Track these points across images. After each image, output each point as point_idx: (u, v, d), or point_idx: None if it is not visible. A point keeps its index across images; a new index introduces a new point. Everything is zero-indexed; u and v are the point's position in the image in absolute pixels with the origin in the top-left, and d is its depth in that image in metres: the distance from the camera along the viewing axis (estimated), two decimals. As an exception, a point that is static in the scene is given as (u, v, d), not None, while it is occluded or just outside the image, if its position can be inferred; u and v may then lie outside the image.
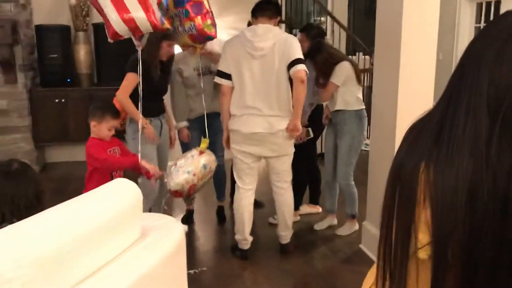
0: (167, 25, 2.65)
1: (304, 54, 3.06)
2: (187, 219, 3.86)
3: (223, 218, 3.93)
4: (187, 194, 3.06)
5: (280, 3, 4.45)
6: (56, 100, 5.17)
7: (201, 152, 3.08)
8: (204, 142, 3.15)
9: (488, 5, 4.82)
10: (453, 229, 0.63)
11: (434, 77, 2.89)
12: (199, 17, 2.89)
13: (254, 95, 2.98)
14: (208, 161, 3.07)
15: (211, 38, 3.00)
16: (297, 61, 2.92)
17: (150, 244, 1.28)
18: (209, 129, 3.36)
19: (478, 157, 0.62)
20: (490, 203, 0.61)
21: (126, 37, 2.52)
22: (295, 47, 2.96)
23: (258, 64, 2.95)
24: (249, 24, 3.54)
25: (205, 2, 2.94)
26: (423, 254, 0.67)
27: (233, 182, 3.71)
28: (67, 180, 4.77)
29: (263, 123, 2.99)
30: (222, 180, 3.93)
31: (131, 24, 2.42)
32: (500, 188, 0.61)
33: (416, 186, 0.67)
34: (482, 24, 5.70)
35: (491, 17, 4.79)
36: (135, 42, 2.60)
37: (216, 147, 3.72)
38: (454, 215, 0.62)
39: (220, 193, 3.97)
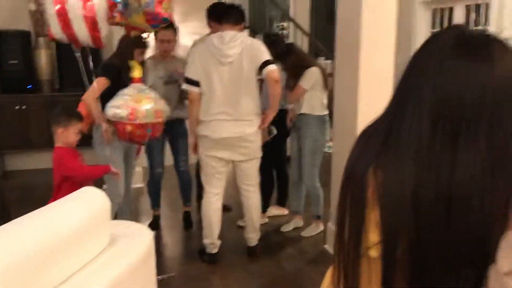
0: (118, 19, 2.53)
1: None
2: (154, 225, 3.85)
3: (190, 223, 3.93)
4: (130, 123, 2.80)
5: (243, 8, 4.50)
6: (17, 107, 5.05)
7: (134, 80, 2.89)
8: (134, 67, 2.91)
9: (443, 11, 5.05)
10: (400, 229, 0.66)
11: (392, 80, 2.99)
12: None
13: (223, 100, 2.99)
14: (143, 87, 2.91)
15: (166, 20, 2.76)
16: (267, 62, 2.97)
17: (119, 251, 1.30)
18: (172, 134, 3.61)
19: (422, 159, 0.66)
20: (433, 203, 0.64)
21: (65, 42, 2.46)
22: (262, 50, 3.01)
23: (227, 70, 2.97)
24: (212, 26, 3.52)
25: None
26: (374, 252, 0.70)
27: (199, 187, 3.73)
28: (29, 188, 4.65)
29: (232, 127, 3.01)
30: (188, 185, 3.94)
31: (72, 37, 2.33)
32: (443, 187, 0.64)
33: (366, 189, 0.70)
34: (437, 29, 5.92)
35: (445, 23, 5.01)
36: (74, 49, 2.53)
37: (179, 152, 3.78)
38: (400, 216, 0.66)
39: (186, 198, 3.97)
